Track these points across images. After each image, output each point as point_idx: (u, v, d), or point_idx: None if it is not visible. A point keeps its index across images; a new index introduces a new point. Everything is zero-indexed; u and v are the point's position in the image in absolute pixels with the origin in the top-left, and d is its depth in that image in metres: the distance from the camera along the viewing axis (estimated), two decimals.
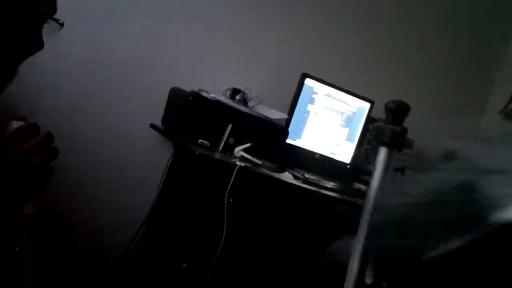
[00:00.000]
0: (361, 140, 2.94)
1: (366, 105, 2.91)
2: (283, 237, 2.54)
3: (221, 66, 2.79)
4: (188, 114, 2.35)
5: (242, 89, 2.60)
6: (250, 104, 2.59)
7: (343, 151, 2.92)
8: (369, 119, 2.92)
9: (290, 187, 2.47)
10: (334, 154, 2.90)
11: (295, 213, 2.54)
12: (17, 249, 1.06)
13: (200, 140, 2.34)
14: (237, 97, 2.57)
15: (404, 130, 0.61)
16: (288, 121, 2.70)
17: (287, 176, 2.52)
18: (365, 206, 0.63)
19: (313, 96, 2.78)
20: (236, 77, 2.76)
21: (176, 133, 2.42)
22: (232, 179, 2.29)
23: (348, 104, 2.87)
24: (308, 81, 2.75)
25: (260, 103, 2.62)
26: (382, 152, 0.60)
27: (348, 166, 2.95)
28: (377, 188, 0.61)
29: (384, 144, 0.60)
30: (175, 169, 2.53)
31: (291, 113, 2.73)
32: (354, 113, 2.90)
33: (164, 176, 2.55)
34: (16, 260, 1.10)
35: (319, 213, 2.58)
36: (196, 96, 2.36)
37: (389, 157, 0.60)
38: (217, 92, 2.51)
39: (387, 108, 0.61)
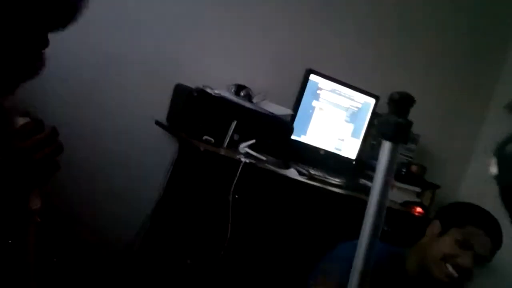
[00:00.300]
0: (367, 136, 2.93)
1: (371, 101, 2.90)
2: (288, 233, 2.54)
3: (226, 62, 2.78)
4: (192, 111, 2.35)
5: (246, 85, 2.60)
6: (254, 100, 2.59)
7: (348, 147, 2.91)
8: (374, 115, 2.91)
9: (295, 183, 2.47)
10: (340, 150, 2.89)
11: (300, 209, 2.53)
12: (9, 241, 1.06)
13: (205, 137, 2.34)
14: (242, 93, 2.57)
15: (409, 123, 0.59)
16: (293, 117, 2.69)
17: (292, 172, 2.52)
18: (369, 203, 0.61)
19: (318, 91, 2.77)
20: (241, 73, 2.75)
21: (181, 129, 2.42)
22: (237, 175, 2.29)
23: (353, 99, 2.86)
24: (313, 77, 2.74)
25: (264, 99, 2.61)
26: (386, 146, 0.59)
27: (354, 162, 2.94)
28: (381, 184, 0.60)
29: (388, 138, 0.59)
30: (180, 165, 2.53)
31: (296, 109, 2.72)
32: (359, 108, 2.89)
33: (169, 172, 2.55)
34: (20, 253, 1.10)
35: (324, 209, 2.58)
36: (201, 92, 2.36)
37: (393, 151, 0.59)
38: (221, 88, 2.50)
39: (391, 100, 0.60)
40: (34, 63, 1.02)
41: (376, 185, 0.59)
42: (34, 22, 0.98)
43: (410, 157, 3.07)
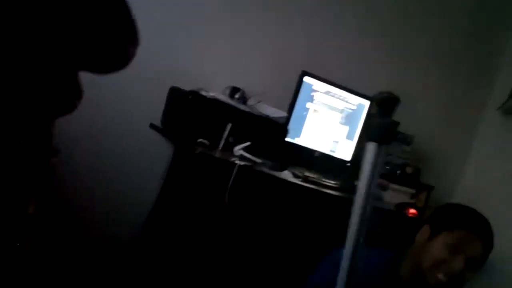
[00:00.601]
0: (361, 137, 2.94)
1: (366, 102, 2.91)
2: (283, 236, 2.54)
3: (220, 65, 2.79)
4: (187, 113, 2.35)
5: (241, 88, 2.60)
6: (249, 102, 2.59)
7: (343, 148, 2.92)
8: (369, 116, 2.92)
9: (290, 186, 2.47)
10: (334, 152, 2.90)
11: (296, 211, 2.54)
12: (18, 244, 1.08)
13: (199, 139, 2.34)
14: (236, 96, 2.57)
15: (393, 123, 0.59)
16: (287, 119, 2.70)
17: (287, 175, 2.52)
18: (355, 204, 0.61)
19: (313, 94, 2.78)
20: (236, 76, 2.76)
21: (175, 132, 2.42)
22: (232, 178, 2.29)
23: (347, 101, 2.87)
24: (307, 79, 2.75)
25: (259, 101, 2.62)
26: (370, 148, 0.59)
27: (349, 164, 2.95)
28: (366, 186, 0.60)
29: (371, 139, 0.59)
30: (175, 168, 2.53)
31: (290, 111, 2.73)
32: (354, 110, 2.90)
33: (164, 175, 2.56)
34: (18, 254, 1.12)
35: (319, 211, 2.58)
36: (195, 95, 2.36)
37: (377, 153, 0.59)
38: (216, 90, 2.51)
39: (374, 101, 0.60)
40: (74, 98, 1.06)
41: (361, 186, 0.59)
42: (82, 67, 1.00)
43: (405, 158, 3.08)
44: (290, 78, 2.76)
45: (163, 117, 2.59)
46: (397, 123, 0.54)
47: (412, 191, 3.00)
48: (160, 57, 2.66)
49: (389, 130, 0.60)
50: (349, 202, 2.49)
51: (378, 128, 0.60)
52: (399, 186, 2.94)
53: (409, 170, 3.06)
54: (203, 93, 2.39)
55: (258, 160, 2.38)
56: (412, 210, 2.82)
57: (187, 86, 2.48)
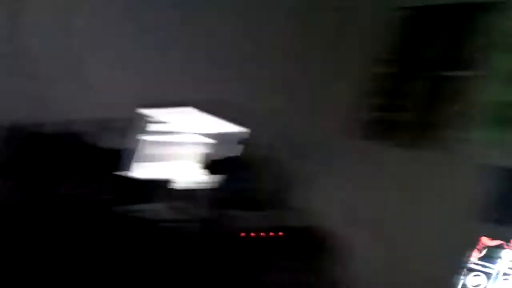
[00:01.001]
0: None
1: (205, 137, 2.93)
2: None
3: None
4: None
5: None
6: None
7: (193, 179, 2.89)
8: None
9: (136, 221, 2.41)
10: (185, 182, 2.86)
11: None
12: None
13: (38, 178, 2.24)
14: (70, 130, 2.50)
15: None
16: (126, 153, 2.64)
17: (124, 209, 2.46)
18: None
19: (152, 126, 2.74)
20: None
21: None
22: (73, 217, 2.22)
23: (187, 134, 2.87)
24: (146, 111, 2.72)
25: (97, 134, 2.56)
26: None
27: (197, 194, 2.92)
28: None
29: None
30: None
31: (128, 144, 2.67)
32: (197, 142, 2.90)
33: None
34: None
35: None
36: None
37: None
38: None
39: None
40: None
41: None
42: None
43: (257, 183, 3.08)
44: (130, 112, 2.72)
45: None
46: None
47: (266, 213, 2.99)
48: None
49: None
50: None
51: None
52: (249, 211, 2.93)
53: (261, 194, 3.07)
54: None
55: (95, 196, 2.32)
56: (260, 233, 2.83)
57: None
